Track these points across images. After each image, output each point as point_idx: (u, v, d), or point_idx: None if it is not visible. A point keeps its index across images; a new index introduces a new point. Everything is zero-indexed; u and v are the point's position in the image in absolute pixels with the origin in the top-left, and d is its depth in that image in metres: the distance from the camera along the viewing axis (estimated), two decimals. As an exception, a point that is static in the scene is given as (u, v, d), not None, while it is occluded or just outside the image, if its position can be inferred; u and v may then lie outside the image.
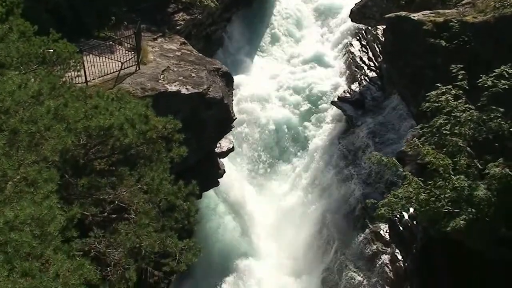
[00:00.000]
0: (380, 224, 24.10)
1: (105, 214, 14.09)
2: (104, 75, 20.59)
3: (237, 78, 26.01)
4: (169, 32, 25.66)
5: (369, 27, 32.27)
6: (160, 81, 21.00)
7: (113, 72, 20.72)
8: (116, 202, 14.09)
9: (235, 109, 25.83)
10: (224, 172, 25.49)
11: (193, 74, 22.09)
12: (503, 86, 15.66)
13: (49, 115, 12.44)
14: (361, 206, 25.31)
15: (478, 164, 15.74)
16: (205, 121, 21.83)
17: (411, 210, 18.61)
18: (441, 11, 20.92)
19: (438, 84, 16.85)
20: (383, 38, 28.24)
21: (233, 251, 27.90)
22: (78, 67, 17.26)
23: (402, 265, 22.26)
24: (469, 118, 15.95)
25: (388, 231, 23.61)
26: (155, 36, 24.80)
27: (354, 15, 30.69)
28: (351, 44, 33.49)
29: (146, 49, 22.68)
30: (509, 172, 14.72)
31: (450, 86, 16.57)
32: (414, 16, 20.86)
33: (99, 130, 13.78)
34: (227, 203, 28.71)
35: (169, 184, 14.79)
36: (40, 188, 10.82)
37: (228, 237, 28.22)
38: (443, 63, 18.52)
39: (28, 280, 9.08)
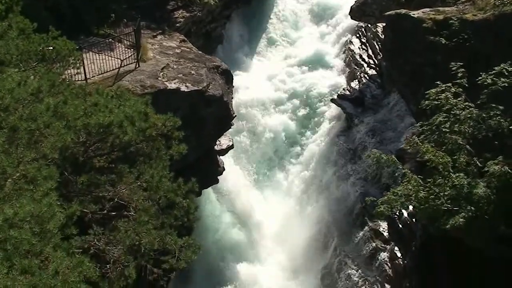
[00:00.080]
0: (379, 222, 24.13)
1: (105, 211, 14.10)
2: (104, 72, 20.58)
3: (236, 78, 25.81)
4: (168, 30, 25.65)
5: (369, 25, 32.24)
6: (159, 78, 20.99)
7: (113, 70, 20.71)
8: (116, 199, 14.10)
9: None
10: (224, 169, 25.49)
11: (192, 72, 22.08)
12: (503, 84, 15.66)
13: (49, 113, 12.44)
14: (361, 203, 25.32)
15: (477, 162, 15.75)
16: (204, 118, 21.82)
17: (411, 207, 18.61)
18: (441, 8, 20.92)
19: (438, 82, 16.85)
20: (383, 36, 28.22)
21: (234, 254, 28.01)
22: (78, 65, 17.27)
23: (401, 262, 22.29)
24: (469, 116, 15.96)
25: (387, 228, 23.64)
26: (155, 34, 24.79)
27: (354, 12, 30.65)
28: (350, 42, 33.45)
29: (146, 46, 22.67)
30: (509, 170, 14.73)
31: (449, 84, 16.57)
32: (414, 14, 20.85)
33: (99, 128, 13.79)
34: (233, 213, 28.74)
35: (169, 182, 14.79)
36: (40, 186, 10.82)
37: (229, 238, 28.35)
38: (442, 60, 18.52)
39: (28, 277, 9.08)
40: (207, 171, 23.66)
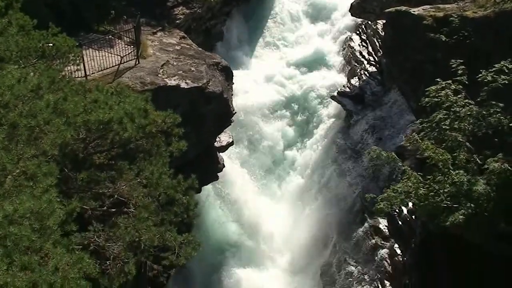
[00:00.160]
0: (379, 219, 24.14)
1: (105, 208, 14.10)
2: (104, 69, 20.57)
3: (234, 80, 25.75)
4: (168, 26, 25.62)
5: (369, 22, 32.22)
6: (159, 75, 20.98)
7: (113, 66, 20.70)
8: (116, 196, 14.10)
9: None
10: (224, 166, 25.51)
11: (192, 68, 22.06)
12: (503, 81, 15.67)
13: (49, 109, 12.43)
14: (360, 200, 25.33)
15: (477, 159, 15.76)
16: (204, 115, 21.82)
17: (410, 204, 18.65)
18: (441, 6, 20.91)
19: (438, 79, 16.84)
20: (383, 33, 28.20)
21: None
22: (78, 61, 17.24)
23: (401, 259, 22.32)
24: (469, 113, 15.96)
25: (387, 225, 23.65)
26: (155, 30, 24.76)
27: (354, 9, 30.62)
28: (351, 39, 33.43)
29: (146, 43, 22.65)
30: (508, 167, 14.74)
31: (449, 81, 16.57)
32: (414, 11, 20.84)
33: (99, 124, 13.78)
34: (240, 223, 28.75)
35: (169, 178, 14.80)
36: (40, 182, 10.82)
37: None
38: (443, 58, 18.51)
39: (28, 274, 9.09)
40: (207, 168, 23.67)
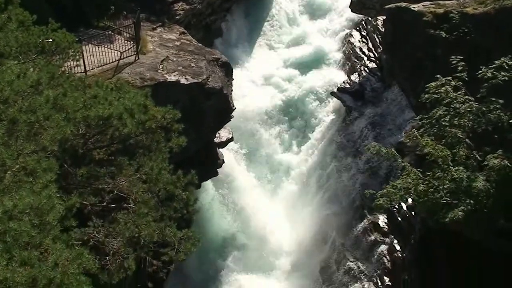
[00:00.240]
0: (378, 215, 24.16)
1: (104, 203, 14.11)
2: (103, 64, 20.55)
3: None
4: (168, 22, 25.58)
5: (369, 18, 32.17)
6: (159, 71, 20.97)
7: (112, 62, 20.68)
8: (115, 191, 14.12)
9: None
10: (223, 162, 25.51)
11: (192, 64, 22.05)
12: (503, 78, 15.67)
13: (48, 105, 12.43)
14: (360, 196, 25.34)
15: (477, 156, 15.77)
16: (204, 111, 21.81)
17: (410, 201, 18.64)
18: (441, 2, 20.87)
19: (438, 76, 16.84)
20: (383, 29, 28.17)
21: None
22: (77, 57, 17.23)
23: (400, 255, 22.34)
24: (469, 109, 15.97)
25: (386, 221, 23.67)
26: (155, 26, 24.73)
27: (354, 5, 30.55)
28: (351, 35, 33.39)
29: (145, 39, 22.63)
30: (508, 164, 14.75)
31: (449, 78, 16.57)
32: (414, 7, 20.81)
33: (98, 120, 13.79)
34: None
35: (168, 174, 14.80)
36: (39, 178, 10.83)
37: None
38: (443, 54, 18.51)
39: (27, 269, 9.10)
40: (207, 163, 23.68)
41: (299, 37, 35.71)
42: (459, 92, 16.36)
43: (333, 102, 31.34)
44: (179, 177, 15.10)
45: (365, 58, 31.31)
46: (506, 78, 15.66)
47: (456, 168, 15.34)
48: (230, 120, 24.66)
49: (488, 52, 17.64)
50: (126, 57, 21.03)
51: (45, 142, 11.88)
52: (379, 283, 23.22)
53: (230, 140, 26.26)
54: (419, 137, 16.30)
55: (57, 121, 12.30)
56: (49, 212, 10.18)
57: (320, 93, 31.88)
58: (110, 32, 22.38)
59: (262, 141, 31.19)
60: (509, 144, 15.45)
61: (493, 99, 15.80)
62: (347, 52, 32.84)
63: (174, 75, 21.04)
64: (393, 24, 22.30)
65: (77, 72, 18.17)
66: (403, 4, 21.47)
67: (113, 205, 14.17)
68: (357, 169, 27.02)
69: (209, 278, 26.89)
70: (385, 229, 23.90)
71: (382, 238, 23.97)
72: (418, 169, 16.24)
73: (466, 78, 16.37)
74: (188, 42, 24.16)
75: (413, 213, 21.22)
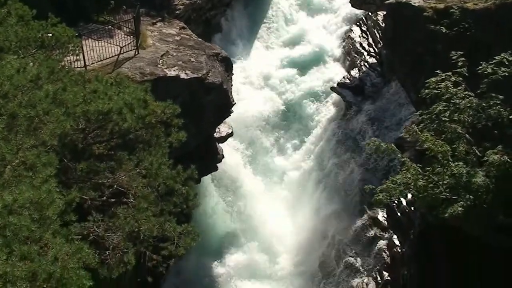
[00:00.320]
0: (378, 210, 24.19)
1: (104, 198, 14.12)
2: (103, 59, 20.54)
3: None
4: (168, 17, 25.55)
5: (370, 13, 32.13)
6: (159, 65, 20.95)
7: (112, 57, 20.67)
8: (115, 186, 14.12)
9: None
10: (223, 157, 25.51)
11: (192, 59, 22.03)
12: (503, 74, 15.64)
13: (48, 99, 12.43)
14: (360, 192, 25.36)
15: (477, 151, 15.76)
16: (204, 106, 21.80)
17: (409, 196, 18.63)
18: (441, -3, 20.83)
19: (438, 71, 16.81)
20: (384, 24, 28.13)
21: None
22: (77, 52, 17.23)
23: (400, 250, 22.37)
24: (469, 105, 15.94)
25: (386, 217, 23.69)
26: (154, 21, 24.70)
27: (355, 0, 30.53)
28: (351, 30, 33.39)
29: (145, 33, 22.60)
30: (508, 160, 14.74)
31: (450, 73, 16.54)
32: (414, 2, 20.78)
33: (98, 115, 13.78)
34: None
35: (168, 169, 14.81)
36: (39, 172, 10.84)
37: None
38: (443, 49, 18.48)
39: (27, 264, 9.11)
40: (207, 158, 23.68)
41: (298, 34, 35.63)
42: (459, 88, 16.34)
43: (333, 99, 31.34)
44: (179, 172, 15.11)
45: (365, 53, 31.32)
46: (506, 74, 15.63)
47: (456, 163, 15.34)
48: (230, 115, 24.65)
49: (488, 48, 17.60)
50: (126, 51, 21.01)
51: (45, 136, 11.88)
52: (379, 278, 23.27)
53: (230, 135, 26.28)
54: (419, 132, 16.28)
55: (56, 115, 12.30)
56: (49, 207, 10.19)
57: (319, 93, 31.81)
58: (110, 26, 22.36)
59: (261, 147, 31.16)
60: (509, 139, 15.43)
61: (493, 94, 15.78)
62: (347, 47, 32.82)
63: (174, 70, 21.03)
64: (394, 19, 22.26)
65: (77, 67, 18.16)
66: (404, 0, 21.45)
67: (113, 200, 14.18)
68: (357, 164, 27.05)
69: (208, 276, 26.92)
70: (384, 224, 23.93)
71: (381, 233, 24.02)
72: (418, 165, 16.23)
73: (466, 74, 16.34)
74: (188, 37, 24.14)
75: (412, 208, 21.23)
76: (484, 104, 15.83)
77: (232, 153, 28.83)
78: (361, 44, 31.95)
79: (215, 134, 25.08)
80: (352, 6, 31.32)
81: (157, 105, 14.99)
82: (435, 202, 15.45)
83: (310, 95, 32.04)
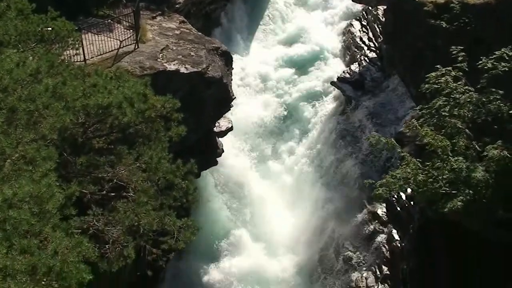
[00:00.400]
0: (377, 204, 24.21)
1: (104, 192, 14.14)
2: (103, 53, 20.50)
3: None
4: (168, 11, 25.48)
5: (370, 7, 32.08)
6: (159, 60, 20.92)
7: (112, 51, 20.63)
8: (115, 180, 14.14)
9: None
10: (223, 151, 25.51)
11: (192, 53, 22.00)
12: (503, 69, 15.62)
13: (48, 93, 12.42)
14: (359, 186, 25.38)
15: (476, 146, 15.76)
16: (204, 100, 21.79)
17: (409, 190, 18.66)
18: (442, -8, 20.77)
19: (438, 66, 16.79)
20: (384, 19, 28.09)
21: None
22: (77, 46, 17.19)
23: (399, 245, 22.41)
24: (468, 100, 15.94)
25: (385, 211, 23.72)
26: (154, 15, 24.64)
27: (355, -5, 30.48)
28: (351, 25, 33.35)
29: (145, 27, 22.56)
30: (508, 154, 14.74)
31: (450, 68, 16.52)
32: (414, -3, 20.74)
33: (98, 109, 13.78)
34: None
35: (168, 163, 14.82)
36: (39, 166, 10.84)
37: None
38: (443, 44, 18.46)
39: (27, 257, 9.12)
40: (207, 153, 23.68)
41: (297, 29, 35.52)
42: (459, 83, 16.33)
43: (333, 94, 31.33)
44: (179, 166, 15.12)
45: (365, 48, 31.29)
46: (506, 69, 15.61)
47: (456, 158, 15.34)
48: (229, 110, 24.64)
49: (488, 43, 17.58)
50: (126, 45, 20.97)
51: (45, 130, 11.88)
52: (378, 272, 23.33)
53: (230, 129, 26.27)
54: (419, 127, 16.28)
55: (56, 109, 12.29)
56: (49, 201, 10.19)
57: (319, 92, 31.80)
58: (109, 20, 22.31)
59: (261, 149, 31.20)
60: (508, 134, 15.43)
61: (493, 89, 15.77)
62: (347, 42, 32.78)
63: (174, 64, 20.99)
64: (394, 14, 22.24)
65: (77, 61, 18.13)
66: (404, -6, 21.41)
67: (112, 194, 14.20)
68: (357, 159, 27.06)
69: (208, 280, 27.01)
70: (384, 218, 23.97)
71: (381, 227, 24.05)
72: (418, 159, 16.24)
73: (466, 69, 16.33)
74: (187, 31, 24.09)
75: (412, 203, 21.25)
76: (484, 99, 15.82)
77: (232, 152, 28.84)
78: (361, 39, 31.91)
79: (215, 129, 25.07)
80: (353, 0, 31.25)
81: (157, 99, 14.98)
82: (434, 196, 15.46)
83: (310, 94, 31.96)
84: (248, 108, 31.19)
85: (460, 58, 16.50)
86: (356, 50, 31.60)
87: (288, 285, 26.65)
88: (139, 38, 21.42)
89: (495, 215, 15.34)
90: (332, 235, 26.24)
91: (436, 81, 16.45)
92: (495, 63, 15.78)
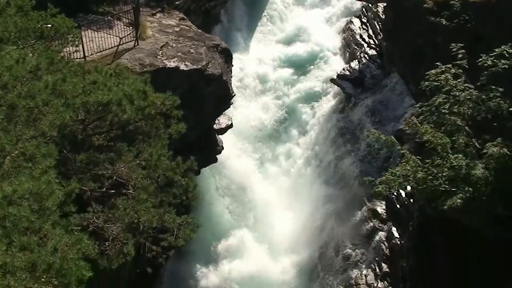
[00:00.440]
0: (377, 202, 24.23)
1: (104, 189, 14.14)
2: (103, 50, 20.48)
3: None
4: (168, 8, 25.45)
5: (370, 4, 32.06)
6: (158, 57, 20.90)
7: (112, 48, 20.61)
8: (115, 177, 14.14)
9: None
10: (223, 148, 25.50)
11: (192, 50, 21.98)
12: (503, 66, 15.61)
13: (47, 90, 12.41)
14: (359, 183, 25.38)
15: (476, 143, 15.76)
16: (204, 97, 21.77)
17: (409, 188, 18.67)
18: (442, -11, 20.75)
19: (438, 63, 16.78)
20: (384, 16, 28.08)
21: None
22: (76, 42, 17.15)
23: (398, 242, 22.43)
24: (468, 97, 15.93)
25: (385, 208, 23.73)
26: (154, 11, 24.60)
27: (355, -8, 30.49)
28: (351, 22, 33.33)
29: (145, 24, 22.53)
30: (507, 152, 14.74)
31: (449, 65, 16.51)
32: (415, -6, 20.72)
33: (97, 106, 13.78)
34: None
35: (168, 160, 14.82)
36: (39, 163, 10.84)
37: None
38: (443, 41, 18.44)
39: (27, 254, 9.12)
40: (206, 150, 23.68)
41: (296, 28, 35.47)
42: (459, 80, 16.32)
43: (332, 92, 31.32)
44: (179, 163, 15.12)
45: (365, 45, 31.26)
46: (506, 66, 15.60)
47: (455, 155, 15.34)
48: (229, 107, 24.63)
49: (488, 40, 17.57)
50: (125, 42, 20.96)
51: (44, 127, 11.87)
52: (377, 270, 23.35)
53: (229, 126, 26.26)
54: (419, 124, 16.27)
55: (56, 106, 12.28)
56: (49, 198, 10.19)
57: (319, 91, 31.80)
58: (109, 17, 22.28)
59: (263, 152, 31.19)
60: (508, 132, 15.43)
61: (493, 87, 15.75)
62: (347, 39, 32.76)
63: (174, 61, 20.98)
64: (394, 11, 22.23)
65: (76, 58, 18.12)
66: (404, -9, 21.39)
67: (112, 191, 14.20)
68: (356, 156, 27.06)
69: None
70: (383, 216, 23.98)
71: (380, 225, 24.06)
72: (417, 157, 16.24)
73: (466, 66, 16.32)
74: (187, 28, 24.07)
75: (411, 200, 21.26)
76: (484, 97, 15.81)
77: (235, 153, 28.84)
78: (361, 36, 31.89)
79: (214, 126, 25.06)
80: (353, -3, 31.29)
81: (156, 97, 14.97)
82: (434, 194, 15.47)
83: (310, 95, 31.96)
84: (248, 111, 31.26)
85: (460, 56, 16.49)
86: (356, 47, 31.58)
87: (288, 286, 26.65)
88: (139, 35, 21.39)
89: (495, 212, 15.34)
90: (332, 233, 26.25)
91: (436, 79, 16.44)
92: (495, 60, 15.77)
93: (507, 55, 15.74)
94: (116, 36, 21.00)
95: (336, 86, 30.63)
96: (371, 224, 24.29)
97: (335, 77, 30.42)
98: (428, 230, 19.29)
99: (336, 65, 32.30)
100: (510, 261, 16.19)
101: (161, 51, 21.25)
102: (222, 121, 25.74)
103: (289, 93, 32.27)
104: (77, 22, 18.27)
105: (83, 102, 13.52)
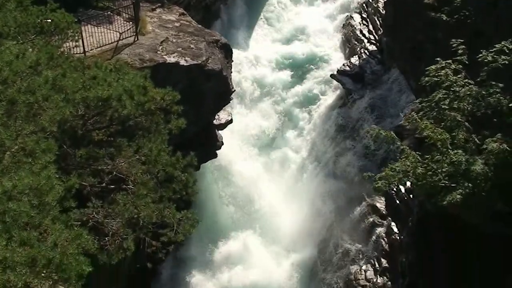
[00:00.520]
0: (376, 197, 24.24)
1: (103, 184, 14.15)
2: (102, 45, 20.47)
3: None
4: (168, 3, 25.43)
5: (370, 0, 32.03)
6: (158, 52, 20.89)
7: (112, 43, 20.60)
8: (114, 172, 14.15)
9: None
10: (222, 144, 25.51)
11: (192, 46, 21.96)
12: (503, 62, 15.57)
13: (47, 86, 12.40)
14: (358, 179, 25.39)
15: (476, 139, 15.75)
16: (203, 93, 21.77)
17: (408, 183, 18.68)
18: (442, -16, 20.71)
19: (438, 59, 16.76)
20: (384, 11, 28.04)
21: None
22: (76, 37, 17.15)
23: (398, 238, 22.45)
24: (468, 93, 15.91)
25: (384, 204, 23.75)
26: (154, 7, 24.58)
27: (355, -13, 30.45)
28: (351, 17, 33.29)
29: (145, 19, 22.50)
30: (507, 148, 14.73)
31: (450, 61, 16.49)
32: (415, -11, 20.69)
33: (97, 101, 13.78)
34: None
35: (167, 155, 14.83)
36: (38, 158, 10.84)
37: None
38: (443, 37, 18.42)
39: (27, 249, 9.13)
40: (206, 145, 23.69)
41: (295, 27, 35.41)
42: (459, 76, 16.29)
43: (332, 88, 31.31)
44: (178, 159, 15.12)
45: (365, 41, 31.23)
46: (506, 62, 15.56)
47: (455, 151, 15.34)
48: (229, 102, 24.62)
49: (488, 36, 17.54)
50: (125, 38, 20.93)
51: (44, 122, 11.88)
52: (377, 265, 23.38)
53: (229, 122, 26.26)
54: (419, 120, 16.26)
55: (56, 102, 12.28)
56: (48, 193, 10.20)
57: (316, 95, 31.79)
58: (109, 12, 22.26)
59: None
60: (508, 128, 15.42)
61: (493, 82, 15.72)
62: (347, 34, 32.72)
63: (174, 57, 20.97)
64: (394, 6, 22.21)
65: (76, 53, 18.09)
66: (404, -14, 21.36)
67: (112, 186, 14.22)
68: (356, 152, 27.07)
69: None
70: (383, 211, 23.99)
71: (380, 220, 24.08)
72: (417, 152, 16.24)
73: (466, 62, 16.29)
74: (187, 23, 24.04)
75: (411, 196, 21.28)
76: (483, 92, 15.79)
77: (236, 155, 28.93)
78: (361, 31, 31.86)
79: (214, 121, 25.06)
80: (354, -7, 31.24)
81: (156, 92, 14.97)
82: (434, 190, 15.47)
83: (309, 96, 31.94)
84: (247, 119, 31.32)
85: (460, 51, 16.46)
86: (356, 42, 31.55)
87: (288, 284, 26.68)
88: (138, 30, 21.37)
89: (494, 208, 15.36)
90: (331, 228, 26.27)
91: (436, 74, 16.41)
92: (495, 56, 15.74)
93: (507, 51, 15.71)
94: (116, 31, 20.97)
95: (336, 82, 30.61)
96: (371, 219, 24.31)
97: (335, 72, 30.40)
98: (427, 226, 19.31)
99: (337, 62, 32.28)
100: (510, 256, 16.21)
101: (161, 46, 21.24)
102: (222, 116, 25.74)
103: (287, 97, 32.27)
104: (77, 17, 18.26)
105: (83, 97, 13.52)
